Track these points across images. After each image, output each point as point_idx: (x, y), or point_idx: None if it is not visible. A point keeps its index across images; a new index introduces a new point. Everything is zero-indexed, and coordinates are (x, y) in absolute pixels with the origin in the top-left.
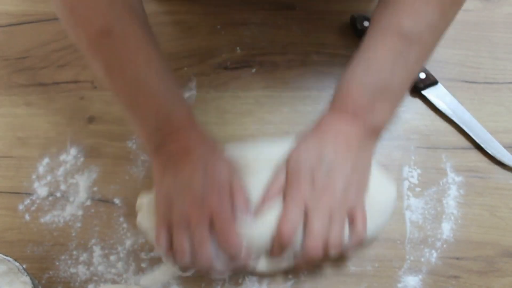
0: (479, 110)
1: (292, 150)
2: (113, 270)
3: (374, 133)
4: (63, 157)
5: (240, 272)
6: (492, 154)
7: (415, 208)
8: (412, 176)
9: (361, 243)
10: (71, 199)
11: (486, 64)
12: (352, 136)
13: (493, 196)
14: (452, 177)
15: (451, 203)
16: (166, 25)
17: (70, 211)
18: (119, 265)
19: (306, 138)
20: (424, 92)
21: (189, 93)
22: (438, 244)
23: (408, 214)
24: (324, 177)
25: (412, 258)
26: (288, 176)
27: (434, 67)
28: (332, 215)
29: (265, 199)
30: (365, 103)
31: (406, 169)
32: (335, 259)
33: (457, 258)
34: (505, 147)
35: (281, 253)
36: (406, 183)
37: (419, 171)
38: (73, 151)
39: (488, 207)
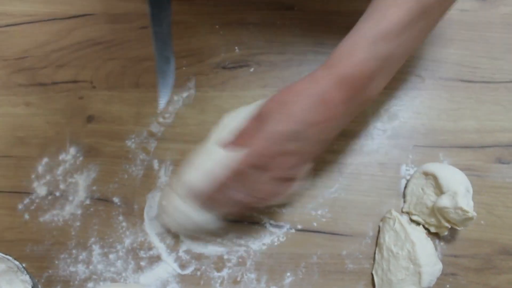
0: (477, 110)
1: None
2: (112, 269)
3: (360, 105)
4: (62, 156)
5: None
6: None
7: None
8: (410, 175)
9: None
10: (71, 198)
11: (483, 64)
12: (332, 104)
13: (490, 195)
14: None
15: None
16: None
17: (69, 210)
18: (118, 263)
19: (287, 91)
20: None
21: (188, 93)
22: (436, 242)
23: None
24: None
25: None
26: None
27: (431, 66)
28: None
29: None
30: (366, 70)
31: (403, 167)
32: None
33: (455, 256)
34: (502, 146)
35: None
36: (403, 182)
37: (416, 169)
38: (72, 150)
39: (485, 205)
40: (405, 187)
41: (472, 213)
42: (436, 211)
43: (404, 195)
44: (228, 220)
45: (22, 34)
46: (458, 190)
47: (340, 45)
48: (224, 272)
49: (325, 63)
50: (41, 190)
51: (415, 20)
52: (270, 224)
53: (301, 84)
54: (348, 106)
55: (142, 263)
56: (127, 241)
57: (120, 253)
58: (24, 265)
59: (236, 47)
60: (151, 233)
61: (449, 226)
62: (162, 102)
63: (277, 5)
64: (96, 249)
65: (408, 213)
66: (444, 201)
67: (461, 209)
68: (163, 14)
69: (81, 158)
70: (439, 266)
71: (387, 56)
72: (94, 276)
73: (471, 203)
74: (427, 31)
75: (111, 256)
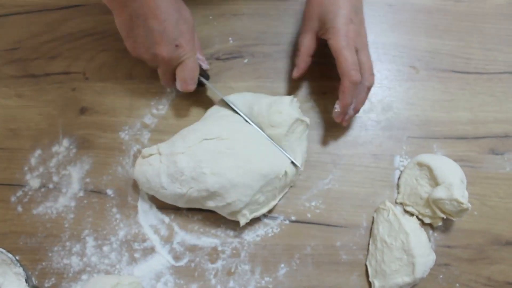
0: (470, 101)
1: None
2: (106, 261)
3: None
4: (55, 148)
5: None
6: None
7: None
8: (404, 166)
9: None
10: (64, 190)
11: (477, 55)
12: None
13: (483, 185)
14: None
15: None
16: None
17: (62, 202)
18: (112, 255)
19: None
20: None
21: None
22: (429, 232)
23: None
24: (357, 22)
25: None
26: (330, 25)
27: (425, 57)
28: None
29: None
30: None
31: (397, 158)
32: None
33: (448, 247)
34: (496, 137)
35: (353, 90)
36: (397, 173)
37: (410, 160)
38: (65, 142)
39: (479, 196)
40: (399, 177)
41: (467, 204)
42: (432, 202)
43: (398, 186)
44: None
45: (13, 24)
46: (454, 182)
47: None
48: (218, 264)
49: None
50: (34, 182)
51: None
52: (264, 215)
53: None
54: None
55: (136, 255)
56: (121, 233)
57: (114, 245)
58: (17, 257)
59: (230, 38)
60: (145, 225)
61: (444, 217)
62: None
63: None
64: (90, 241)
65: (402, 204)
66: (440, 193)
67: (456, 200)
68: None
69: (74, 150)
70: (433, 256)
71: None
72: (88, 268)
73: (466, 194)
74: None
75: (105, 248)
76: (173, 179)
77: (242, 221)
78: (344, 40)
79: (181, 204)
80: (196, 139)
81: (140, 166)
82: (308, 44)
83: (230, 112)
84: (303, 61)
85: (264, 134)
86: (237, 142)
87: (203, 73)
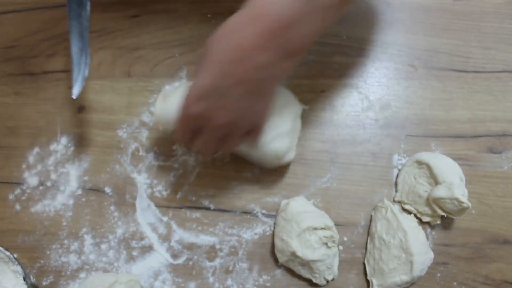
0: (469, 99)
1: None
2: (104, 259)
3: (290, 56)
4: (53, 146)
5: None
6: None
7: None
8: (402, 164)
9: None
10: (62, 188)
11: (476, 54)
12: (258, 58)
13: (481, 184)
14: None
15: None
16: (157, 13)
17: (61, 200)
18: (110, 253)
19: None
20: None
21: (179, 82)
22: (427, 231)
23: None
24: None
25: None
26: None
27: (423, 56)
28: None
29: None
30: (289, 13)
31: (395, 157)
32: None
33: (446, 245)
34: (494, 136)
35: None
36: (395, 171)
37: (409, 158)
38: (63, 140)
39: (476, 194)
40: (397, 176)
41: (467, 203)
42: (432, 201)
43: (396, 184)
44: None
45: (12, 22)
46: (453, 181)
47: None
48: (216, 262)
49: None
50: (32, 180)
51: None
52: (262, 213)
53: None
54: (268, 52)
55: (134, 253)
56: (119, 231)
57: (112, 243)
58: (15, 255)
59: None
60: (143, 223)
61: (445, 215)
62: (75, 91)
63: None
64: (88, 239)
65: (400, 202)
66: (440, 192)
67: (457, 199)
68: (81, 9)
69: (72, 148)
70: (430, 255)
71: None
72: (86, 266)
73: (466, 193)
74: None
75: (103, 246)
76: None
77: (291, 156)
78: None
79: None
80: None
81: (163, 103)
82: None
83: None
84: None
85: None
86: None
87: None
